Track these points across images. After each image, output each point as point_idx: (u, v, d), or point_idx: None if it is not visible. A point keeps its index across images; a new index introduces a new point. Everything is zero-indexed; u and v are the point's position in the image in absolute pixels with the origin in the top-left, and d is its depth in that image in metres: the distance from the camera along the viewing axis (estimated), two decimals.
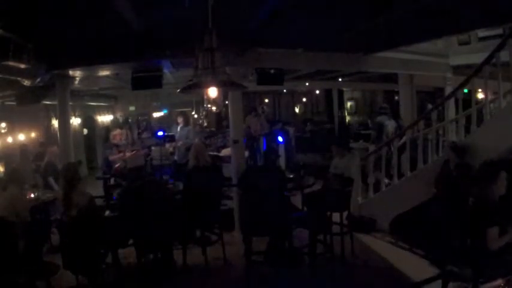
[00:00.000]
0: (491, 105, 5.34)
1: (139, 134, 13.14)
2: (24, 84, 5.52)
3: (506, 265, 3.07)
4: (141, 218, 4.43)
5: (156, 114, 16.41)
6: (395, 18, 4.68)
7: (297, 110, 18.07)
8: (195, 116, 14.97)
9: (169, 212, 4.69)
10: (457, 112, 5.81)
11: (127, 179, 4.76)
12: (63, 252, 4.03)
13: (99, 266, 4.22)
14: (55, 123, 8.96)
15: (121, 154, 7.45)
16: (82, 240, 3.89)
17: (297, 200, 6.08)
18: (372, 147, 8.05)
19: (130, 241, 4.70)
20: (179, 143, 8.51)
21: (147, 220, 4.42)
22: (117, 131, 9.92)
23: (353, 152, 7.17)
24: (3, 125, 7.97)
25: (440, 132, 6.03)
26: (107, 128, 12.27)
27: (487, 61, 4.99)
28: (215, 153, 9.03)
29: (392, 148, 6.27)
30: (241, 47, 5.50)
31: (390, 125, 8.33)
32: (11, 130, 8.02)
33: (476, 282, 3.11)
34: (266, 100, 17.07)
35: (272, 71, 6.18)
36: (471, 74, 5.28)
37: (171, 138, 8.57)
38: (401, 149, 6.18)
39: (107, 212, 5.15)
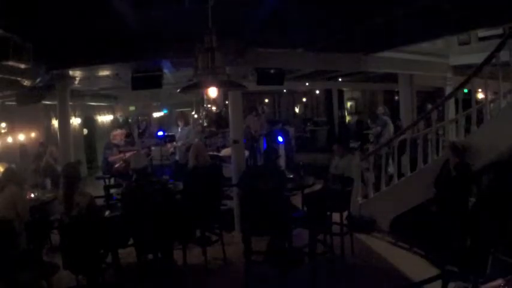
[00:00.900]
0: (491, 105, 5.34)
1: (139, 134, 13.13)
2: (24, 84, 5.51)
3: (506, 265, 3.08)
4: (141, 218, 4.43)
5: (156, 114, 16.42)
6: (395, 18, 4.67)
7: (297, 110, 18.09)
8: (195, 116, 14.98)
9: (169, 212, 4.69)
10: (457, 112, 5.81)
11: (136, 180, 4.76)
12: (63, 252, 4.03)
13: (99, 266, 4.21)
14: (55, 123, 8.96)
15: (121, 154, 7.44)
16: (82, 240, 3.88)
17: (297, 200, 6.09)
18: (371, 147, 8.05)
19: (131, 241, 4.70)
20: (179, 143, 8.51)
21: (147, 220, 4.42)
22: (117, 131, 9.91)
23: (353, 152, 7.18)
24: (3, 125, 7.98)
25: (440, 132, 6.02)
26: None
27: (487, 61, 4.99)
28: (215, 153, 9.03)
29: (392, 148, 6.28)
30: (241, 47, 5.49)
31: (391, 126, 8.43)
32: (11, 130, 8.02)
33: (476, 282, 3.11)
34: (266, 100, 17.08)
35: (272, 71, 6.17)
36: (471, 74, 5.29)
37: (171, 138, 8.58)
38: (401, 149, 6.18)
39: (107, 212, 5.15)
